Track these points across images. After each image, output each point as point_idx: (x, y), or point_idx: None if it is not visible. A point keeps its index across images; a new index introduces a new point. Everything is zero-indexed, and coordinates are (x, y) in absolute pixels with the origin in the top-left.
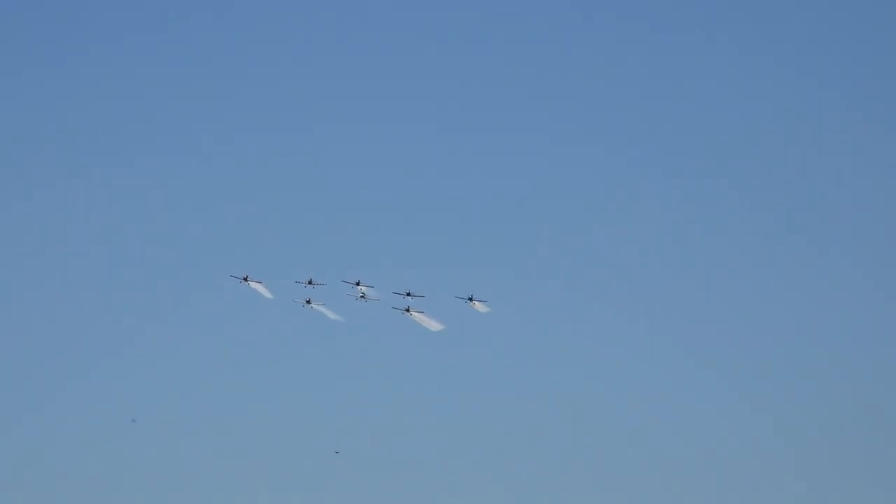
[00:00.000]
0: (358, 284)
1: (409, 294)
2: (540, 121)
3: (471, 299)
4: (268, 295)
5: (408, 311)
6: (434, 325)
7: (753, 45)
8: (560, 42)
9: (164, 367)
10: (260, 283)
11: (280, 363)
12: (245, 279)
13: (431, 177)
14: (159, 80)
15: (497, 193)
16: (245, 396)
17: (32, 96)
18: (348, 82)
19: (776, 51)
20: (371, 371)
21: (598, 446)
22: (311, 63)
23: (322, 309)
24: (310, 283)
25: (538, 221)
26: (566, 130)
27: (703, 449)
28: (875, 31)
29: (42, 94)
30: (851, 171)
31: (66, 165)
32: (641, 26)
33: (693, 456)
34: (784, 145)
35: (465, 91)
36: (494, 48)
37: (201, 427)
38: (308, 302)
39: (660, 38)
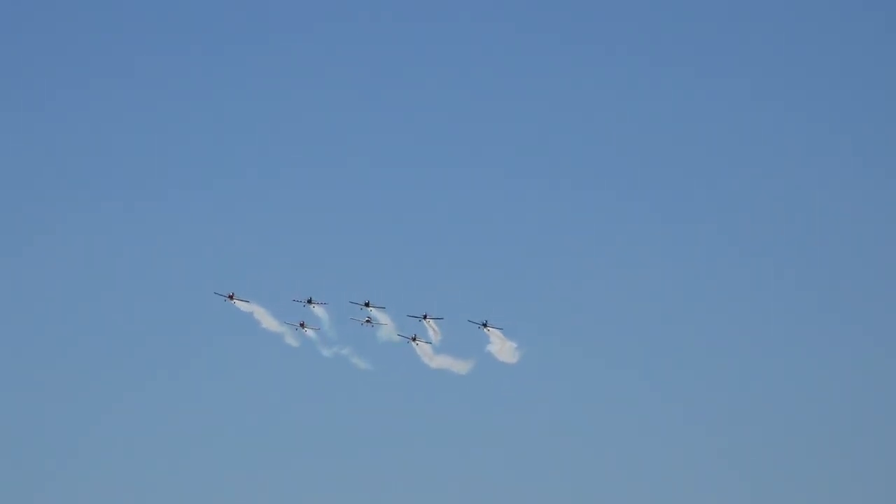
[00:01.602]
0: (367, 305)
1: (426, 317)
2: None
3: (485, 325)
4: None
5: (414, 339)
6: (459, 367)
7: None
8: (579, 69)
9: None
10: (247, 301)
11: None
12: (230, 297)
13: (448, 193)
14: (160, 89)
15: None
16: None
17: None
18: (370, 93)
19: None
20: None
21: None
22: (324, 71)
23: (323, 346)
24: (309, 301)
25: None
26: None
27: None
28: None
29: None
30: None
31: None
32: (639, 33)
33: None
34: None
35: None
36: (516, 68)
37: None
38: (301, 325)
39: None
